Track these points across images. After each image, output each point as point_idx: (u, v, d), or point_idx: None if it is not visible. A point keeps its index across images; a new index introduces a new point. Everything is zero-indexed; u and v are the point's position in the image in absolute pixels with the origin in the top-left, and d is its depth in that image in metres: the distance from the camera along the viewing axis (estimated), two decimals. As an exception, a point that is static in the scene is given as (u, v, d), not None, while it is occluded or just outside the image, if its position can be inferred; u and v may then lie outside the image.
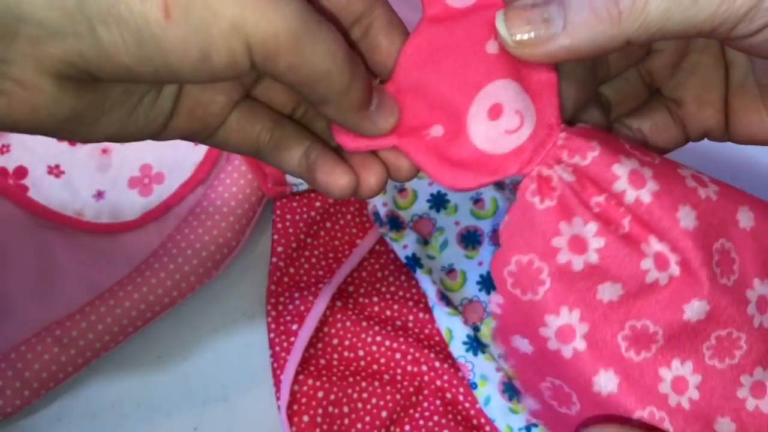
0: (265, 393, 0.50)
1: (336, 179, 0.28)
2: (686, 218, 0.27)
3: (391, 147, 0.28)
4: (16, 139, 0.54)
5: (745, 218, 0.28)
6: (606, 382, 0.28)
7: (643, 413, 0.28)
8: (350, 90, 0.26)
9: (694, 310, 0.27)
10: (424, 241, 0.52)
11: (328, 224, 0.54)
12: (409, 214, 0.53)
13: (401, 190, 0.54)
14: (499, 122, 0.27)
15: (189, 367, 0.51)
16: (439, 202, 0.53)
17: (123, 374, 0.51)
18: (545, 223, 0.27)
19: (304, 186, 0.54)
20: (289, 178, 0.53)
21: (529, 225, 0.27)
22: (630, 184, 0.27)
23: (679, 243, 0.27)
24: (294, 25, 0.24)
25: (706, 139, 0.33)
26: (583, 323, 0.28)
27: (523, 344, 0.29)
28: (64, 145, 0.54)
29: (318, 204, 0.54)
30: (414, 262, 0.51)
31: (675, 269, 0.27)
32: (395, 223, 0.52)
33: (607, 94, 0.32)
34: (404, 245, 0.52)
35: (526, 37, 0.26)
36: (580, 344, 0.28)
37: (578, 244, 0.27)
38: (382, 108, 0.27)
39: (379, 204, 0.52)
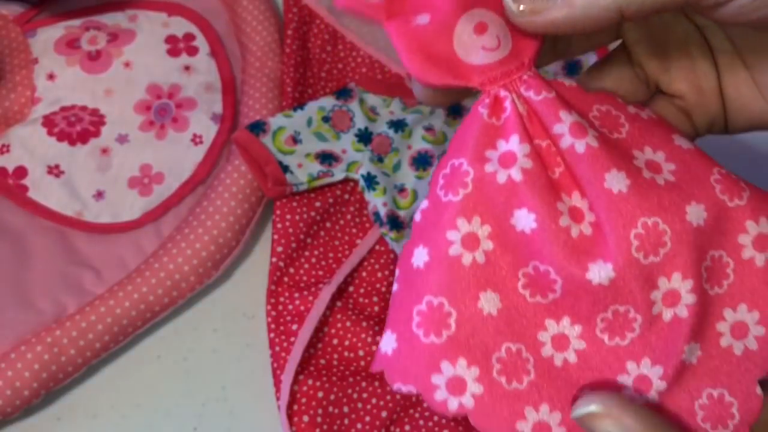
0: (265, 393, 0.50)
1: None
2: (615, 180, 0.27)
3: (378, 19, 0.29)
4: (16, 140, 0.54)
5: (695, 214, 0.28)
6: (489, 304, 0.28)
7: (512, 347, 0.28)
8: None
9: (598, 271, 0.27)
10: (424, 241, 0.52)
11: (328, 224, 0.54)
12: (409, 214, 0.53)
13: (401, 190, 0.54)
14: (480, 38, 0.29)
15: (189, 367, 0.51)
16: (439, 202, 0.53)
17: (123, 374, 0.51)
18: (485, 135, 0.29)
19: (305, 186, 0.54)
20: (289, 178, 0.53)
21: (473, 132, 0.29)
22: (569, 131, 0.28)
23: (598, 201, 0.28)
24: None
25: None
26: (490, 240, 0.28)
27: (420, 256, 0.29)
28: (64, 145, 0.54)
29: (318, 204, 0.54)
30: (414, 262, 0.51)
31: (587, 228, 0.28)
32: (395, 223, 0.52)
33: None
34: (404, 245, 0.52)
35: (526, 7, 0.28)
36: (480, 257, 0.28)
37: (508, 160, 0.28)
38: None
39: (379, 204, 0.52)
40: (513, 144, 0.28)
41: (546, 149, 0.29)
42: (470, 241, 0.28)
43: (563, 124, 0.28)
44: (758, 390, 0.28)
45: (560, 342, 0.28)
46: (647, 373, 0.28)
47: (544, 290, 0.28)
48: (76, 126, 0.55)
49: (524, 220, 0.28)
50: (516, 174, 0.28)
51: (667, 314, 0.28)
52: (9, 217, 0.52)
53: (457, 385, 0.28)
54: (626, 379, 0.28)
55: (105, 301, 0.49)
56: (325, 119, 0.55)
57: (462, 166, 0.29)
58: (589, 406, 0.27)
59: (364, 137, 0.55)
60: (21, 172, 0.54)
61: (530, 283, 0.28)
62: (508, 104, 0.29)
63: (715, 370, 0.29)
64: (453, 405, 0.28)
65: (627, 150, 0.29)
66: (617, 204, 0.27)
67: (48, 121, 0.55)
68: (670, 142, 0.30)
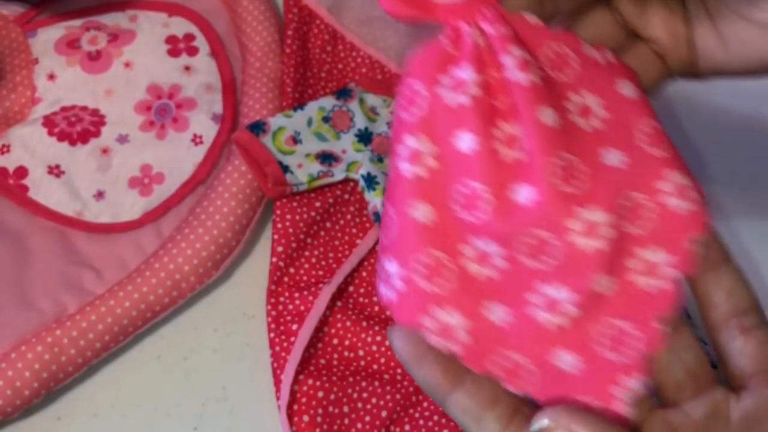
0: (265, 393, 0.50)
1: None
2: (547, 115, 0.30)
3: None
4: (16, 140, 0.54)
5: (611, 157, 0.31)
6: (423, 214, 0.31)
7: (436, 253, 0.30)
8: None
9: (523, 193, 0.30)
10: (424, 241, 0.52)
11: (328, 224, 0.54)
12: (409, 214, 0.53)
13: (401, 190, 0.54)
14: None
15: (189, 367, 0.51)
16: (439, 202, 0.53)
17: (123, 374, 0.51)
18: (441, 62, 0.31)
19: (305, 186, 0.54)
20: (289, 178, 0.53)
21: (431, 58, 0.32)
22: (516, 64, 0.30)
23: (530, 130, 0.30)
24: None
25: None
26: (432, 158, 0.31)
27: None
28: (65, 145, 0.54)
29: (318, 204, 0.54)
30: (414, 262, 0.51)
31: (519, 153, 0.30)
32: (395, 223, 0.52)
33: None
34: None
35: None
36: (422, 172, 0.31)
37: (458, 85, 0.31)
38: None
39: (379, 204, 0.52)
40: (465, 72, 0.31)
41: (496, 80, 0.31)
42: (415, 157, 0.31)
43: (511, 57, 0.30)
44: (659, 325, 0.30)
45: (483, 258, 0.31)
46: (560, 297, 0.30)
47: (475, 209, 0.30)
48: (77, 126, 0.55)
49: (466, 141, 0.30)
50: (464, 99, 0.30)
51: (585, 244, 0.30)
52: (9, 217, 0.53)
53: (386, 279, 0.31)
54: (540, 300, 0.30)
55: (105, 301, 0.49)
56: (325, 119, 0.55)
57: (416, 88, 0.31)
58: (542, 421, 0.29)
59: (364, 137, 0.55)
60: (21, 172, 0.54)
61: (465, 203, 0.30)
62: (467, 36, 0.31)
63: (623, 303, 0.31)
64: (385, 294, 0.31)
65: (564, 92, 0.31)
66: (546, 134, 0.30)
67: (48, 121, 0.55)
68: (612, 87, 0.32)
